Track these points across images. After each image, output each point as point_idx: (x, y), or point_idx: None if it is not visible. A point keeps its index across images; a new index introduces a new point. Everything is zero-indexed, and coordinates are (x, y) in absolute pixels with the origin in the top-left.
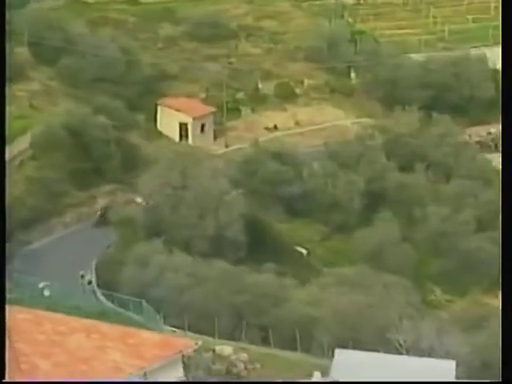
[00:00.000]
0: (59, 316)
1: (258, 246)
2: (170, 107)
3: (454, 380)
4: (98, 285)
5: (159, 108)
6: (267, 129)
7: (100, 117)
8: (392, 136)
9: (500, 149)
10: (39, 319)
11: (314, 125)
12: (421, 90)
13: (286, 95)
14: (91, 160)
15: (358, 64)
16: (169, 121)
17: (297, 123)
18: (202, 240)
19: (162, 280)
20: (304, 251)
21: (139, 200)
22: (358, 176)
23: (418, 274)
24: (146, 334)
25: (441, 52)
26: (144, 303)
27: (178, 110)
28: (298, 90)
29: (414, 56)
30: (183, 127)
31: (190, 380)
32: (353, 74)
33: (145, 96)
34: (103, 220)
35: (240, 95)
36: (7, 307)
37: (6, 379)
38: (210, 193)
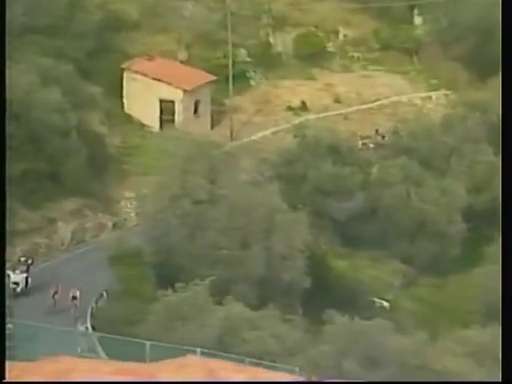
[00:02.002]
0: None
1: (322, 293)
2: (143, 74)
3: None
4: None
5: (126, 75)
6: (290, 108)
7: (52, 89)
8: (496, 119)
9: None
10: None
11: (362, 102)
12: None
13: (313, 54)
14: (44, 159)
15: (426, 1)
16: (142, 96)
17: (336, 100)
18: (246, 284)
19: (238, 343)
20: (386, 304)
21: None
22: (456, 182)
23: None
24: None
25: None
26: None
27: (157, 80)
28: (330, 46)
29: None
30: (166, 107)
31: None
32: (418, 19)
33: (97, 55)
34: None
35: (241, 55)
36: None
37: (7, 379)
38: (255, 210)
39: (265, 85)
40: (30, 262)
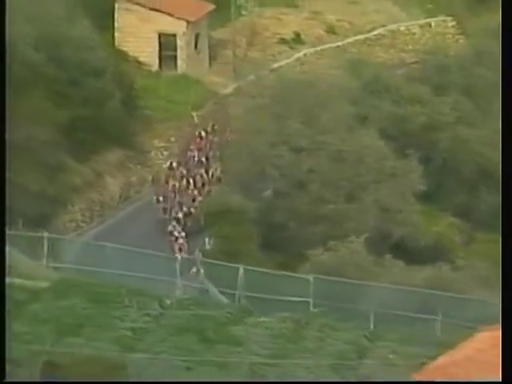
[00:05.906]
0: None
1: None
2: (138, 4)
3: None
4: None
5: (118, 6)
6: (284, 41)
7: (78, 24)
8: None
9: None
10: None
11: (357, 32)
12: None
13: None
14: (84, 105)
15: None
16: (137, 29)
17: (329, 30)
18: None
19: None
20: (460, 262)
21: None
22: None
23: None
24: None
25: None
26: None
27: (155, 10)
28: None
29: None
30: (167, 41)
31: None
32: None
33: None
34: None
35: None
36: None
37: (7, 379)
38: (362, 157)
39: (249, 15)
40: None
